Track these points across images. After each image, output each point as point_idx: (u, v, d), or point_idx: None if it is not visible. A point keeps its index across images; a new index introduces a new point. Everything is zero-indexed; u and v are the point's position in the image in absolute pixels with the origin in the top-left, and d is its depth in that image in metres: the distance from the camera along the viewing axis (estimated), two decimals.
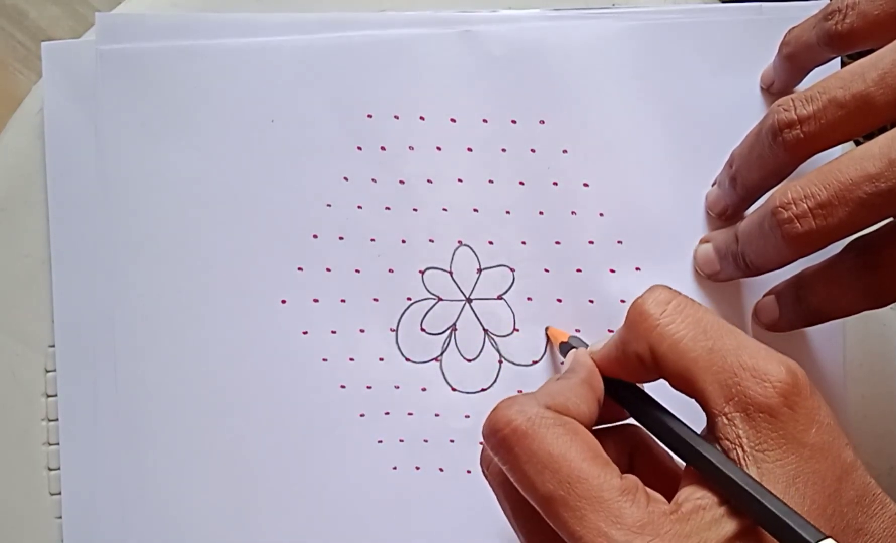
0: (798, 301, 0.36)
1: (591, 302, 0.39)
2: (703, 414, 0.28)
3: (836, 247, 0.33)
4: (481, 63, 0.39)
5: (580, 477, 0.26)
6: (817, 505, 0.26)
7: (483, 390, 0.39)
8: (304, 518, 0.39)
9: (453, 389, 0.39)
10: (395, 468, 0.39)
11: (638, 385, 0.31)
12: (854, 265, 0.33)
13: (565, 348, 0.36)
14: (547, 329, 0.39)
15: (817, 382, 0.39)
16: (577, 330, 0.39)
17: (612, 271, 0.39)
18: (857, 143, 0.31)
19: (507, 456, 0.27)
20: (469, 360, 0.39)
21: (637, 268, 0.39)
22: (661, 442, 0.29)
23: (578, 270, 0.39)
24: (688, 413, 0.29)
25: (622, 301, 0.39)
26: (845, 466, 0.27)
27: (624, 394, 0.31)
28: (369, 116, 0.39)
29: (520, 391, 0.39)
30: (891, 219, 0.32)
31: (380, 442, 0.39)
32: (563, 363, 0.34)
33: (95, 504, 0.39)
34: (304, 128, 0.39)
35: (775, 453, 0.26)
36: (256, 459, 0.39)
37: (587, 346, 0.33)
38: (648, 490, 0.27)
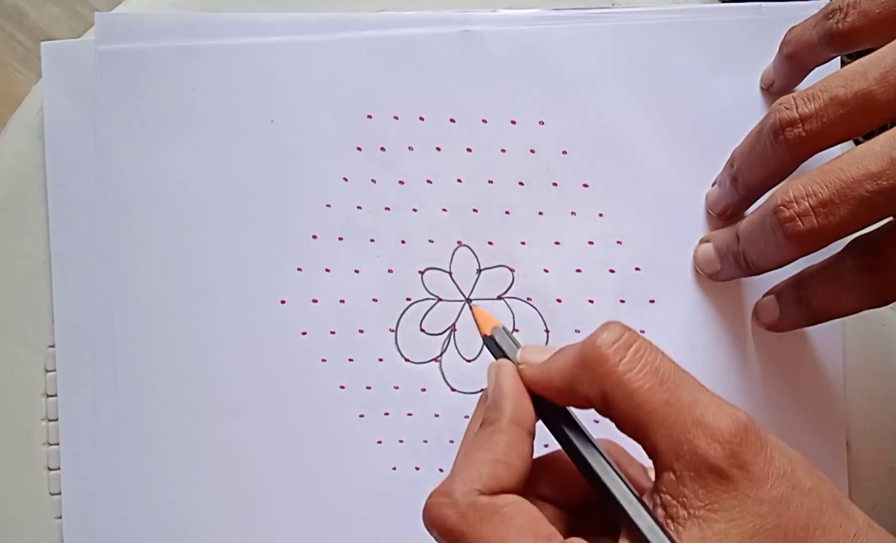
0: (798, 300, 0.36)
1: (591, 302, 0.39)
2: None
3: (837, 247, 0.33)
4: (481, 63, 0.39)
5: None
6: None
7: (483, 390, 0.39)
8: (304, 518, 0.39)
9: (453, 389, 0.39)
10: (394, 468, 0.39)
11: (569, 412, 0.29)
12: (855, 264, 0.33)
13: (489, 343, 0.32)
14: (473, 309, 0.34)
15: (817, 382, 0.39)
16: (577, 331, 0.39)
17: (612, 271, 0.39)
18: (857, 143, 0.31)
19: None
20: (468, 361, 0.39)
21: (637, 269, 0.39)
22: (592, 487, 0.28)
23: (578, 270, 0.39)
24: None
25: (622, 301, 0.39)
26: (811, 514, 0.26)
27: (552, 420, 0.29)
28: (369, 117, 0.39)
29: None
30: (891, 218, 0.32)
31: (379, 442, 0.39)
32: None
33: (95, 504, 0.39)
34: (303, 128, 0.39)
35: (729, 513, 0.26)
36: (256, 459, 0.39)
37: (516, 345, 0.31)
38: None
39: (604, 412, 0.28)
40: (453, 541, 0.27)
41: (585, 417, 0.29)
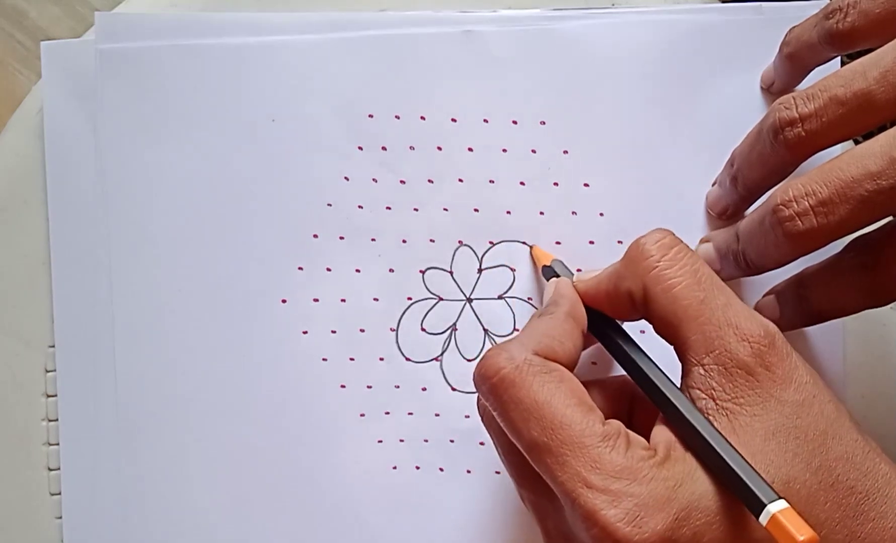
0: (798, 300, 0.36)
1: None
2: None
3: (837, 246, 0.33)
4: (482, 63, 0.40)
5: (563, 424, 0.27)
6: (801, 458, 0.27)
7: None
8: (304, 517, 0.39)
9: (453, 389, 0.39)
10: (395, 468, 0.39)
11: (619, 323, 0.32)
12: (855, 264, 0.33)
13: (548, 272, 0.36)
14: (531, 248, 0.39)
15: None
16: None
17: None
18: (857, 143, 0.31)
19: (495, 403, 0.28)
20: (469, 360, 0.39)
21: None
22: (634, 381, 0.31)
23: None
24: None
25: None
26: (830, 421, 0.28)
27: (603, 330, 0.32)
28: (370, 116, 0.40)
29: None
30: (891, 218, 0.32)
31: (380, 441, 0.39)
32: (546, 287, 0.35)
33: (95, 504, 0.39)
34: (304, 127, 0.39)
35: (753, 408, 0.27)
36: (256, 459, 0.39)
37: (571, 273, 0.35)
38: (632, 435, 0.28)
39: (644, 309, 0.30)
40: (504, 390, 0.28)
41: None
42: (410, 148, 0.39)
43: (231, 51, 0.39)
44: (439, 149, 0.39)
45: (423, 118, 0.39)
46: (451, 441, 0.39)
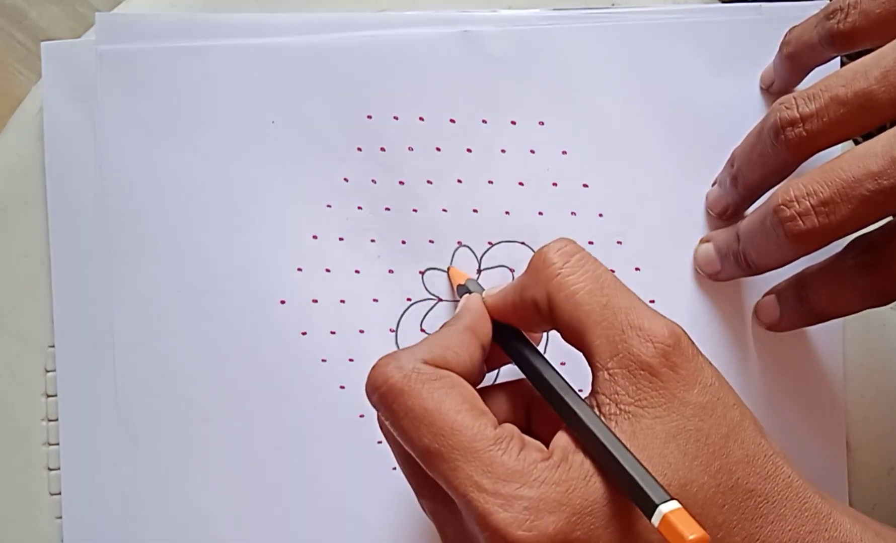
0: (799, 300, 0.36)
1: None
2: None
3: (837, 246, 0.33)
4: (481, 63, 0.39)
5: (453, 429, 0.27)
6: (700, 461, 0.27)
7: None
8: (304, 518, 0.39)
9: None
10: (395, 468, 0.39)
11: (525, 334, 0.32)
12: (855, 264, 0.33)
13: (462, 291, 0.36)
14: (449, 269, 0.39)
15: (817, 382, 0.39)
16: None
17: (612, 271, 0.39)
18: (857, 143, 0.31)
19: (386, 413, 0.29)
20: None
21: (637, 269, 0.39)
22: (534, 386, 0.31)
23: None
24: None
25: None
26: (732, 425, 0.28)
27: (508, 340, 0.32)
28: (369, 117, 0.39)
29: None
30: (892, 218, 0.32)
31: (380, 442, 0.39)
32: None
33: (95, 504, 0.39)
34: (304, 128, 0.39)
35: (655, 410, 0.27)
36: (256, 459, 0.39)
37: (482, 289, 0.35)
38: (526, 438, 0.28)
39: (549, 318, 0.30)
40: (392, 399, 0.28)
41: None
42: (409, 149, 0.39)
43: (231, 52, 0.39)
44: (438, 149, 0.39)
45: (421, 119, 0.39)
46: None
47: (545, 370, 0.30)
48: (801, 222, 0.31)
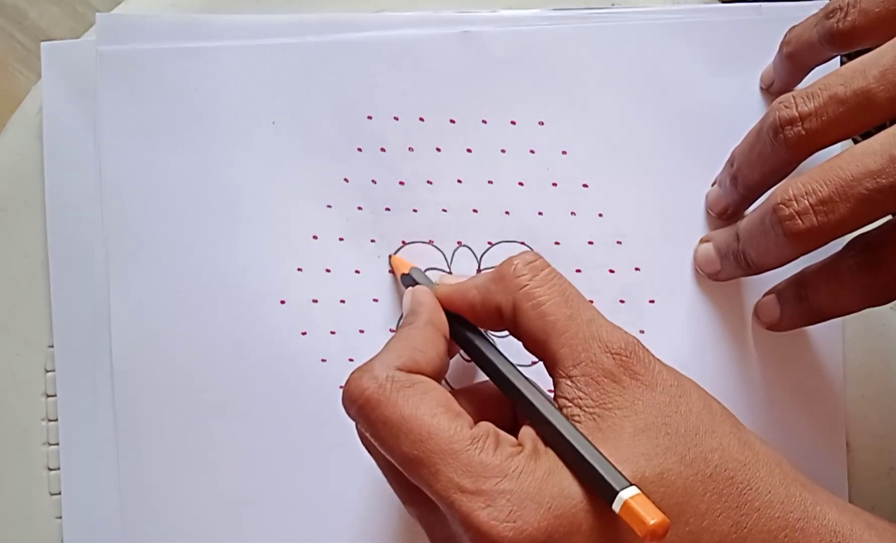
0: (799, 299, 0.36)
1: (591, 302, 0.39)
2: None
3: (837, 246, 0.33)
4: (481, 64, 0.40)
5: (430, 434, 0.27)
6: (673, 452, 0.28)
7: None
8: (304, 518, 0.39)
9: (452, 389, 0.39)
10: None
11: (479, 329, 0.33)
12: (855, 263, 0.33)
13: (406, 280, 0.36)
14: (390, 257, 0.39)
15: (817, 382, 0.39)
16: None
17: (612, 271, 0.39)
18: (855, 142, 0.31)
19: (366, 425, 0.29)
20: (468, 361, 0.39)
21: (636, 269, 0.39)
22: (493, 382, 0.32)
23: (578, 271, 0.39)
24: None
25: (622, 301, 0.39)
26: (700, 417, 0.29)
27: (462, 334, 0.33)
28: (369, 117, 0.40)
29: None
30: (891, 217, 0.32)
31: None
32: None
33: (95, 504, 0.39)
34: (304, 129, 0.39)
35: (621, 411, 0.28)
36: (256, 459, 0.39)
37: (431, 282, 0.35)
38: (501, 434, 0.28)
39: (512, 324, 0.31)
40: (370, 410, 0.29)
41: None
42: (409, 149, 0.39)
43: (231, 52, 0.39)
44: (438, 150, 0.39)
45: (421, 119, 0.39)
46: None
47: (501, 364, 0.31)
48: (799, 221, 0.31)
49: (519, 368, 0.31)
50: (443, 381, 0.32)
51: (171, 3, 0.41)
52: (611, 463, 0.26)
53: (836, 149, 0.33)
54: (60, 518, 0.39)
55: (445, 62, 0.39)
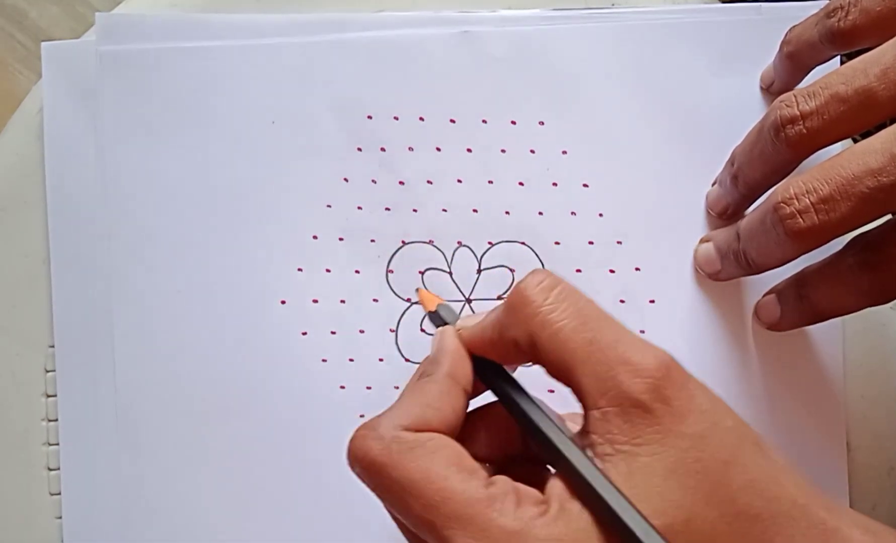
0: (799, 299, 0.36)
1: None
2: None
3: (837, 245, 0.33)
4: (481, 63, 0.40)
5: (444, 498, 0.26)
6: (702, 493, 0.26)
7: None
8: (304, 518, 0.39)
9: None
10: None
11: (506, 368, 0.31)
12: (855, 262, 0.33)
13: (435, 319, 0.34)
14: (418, 290, 0.38)
15: (817, 382, 0.39)
16: None
17: (612, 271, 0.39)
18: (855, 141, 0.31)
19: (372, 487, 0.27)
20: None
21: (637, 269, 0.39)
22: (522, 430, 0.29)
23: (578, 270, 0.39)
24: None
25: (622, 301, 0.39)
26: (731, 450, 0.27)
27: (491, 377, 0.30)
28: (369, 117, 0.40)
29: None
30: (892, 215, 0.32)
31: None
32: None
33: (95, 504, 0.39)
34: (304, 129, 0.39)
35: (652, 447, 0.26)
36: (256, 459, 0.39)
37: (456, 316, 0.33)
38: (521, 489, 0.26)
39: (532, 356, 0.28)
40: (375, 473, 0.27)
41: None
42: (409, 149, 0.39)
43: (231, 52, 0.39)
44: (438, 149, 0.39)
45: (422, 119, 0.39)
46: None
47: (532, 411, 0.29)
48: (800, 220, 0.31)
49: (548, 413, 0.29)
50: None
51: (170, 3, 0.41)
52: (652, 526, 0.25)
53: (836, 148, 0.33)
54: (60, 518, 0.39)
55: (446, 62, 0.39)
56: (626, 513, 0.25)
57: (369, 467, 0.27)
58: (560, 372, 0.28)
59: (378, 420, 0.28)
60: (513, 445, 0.30)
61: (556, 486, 0.27)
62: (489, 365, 0.30)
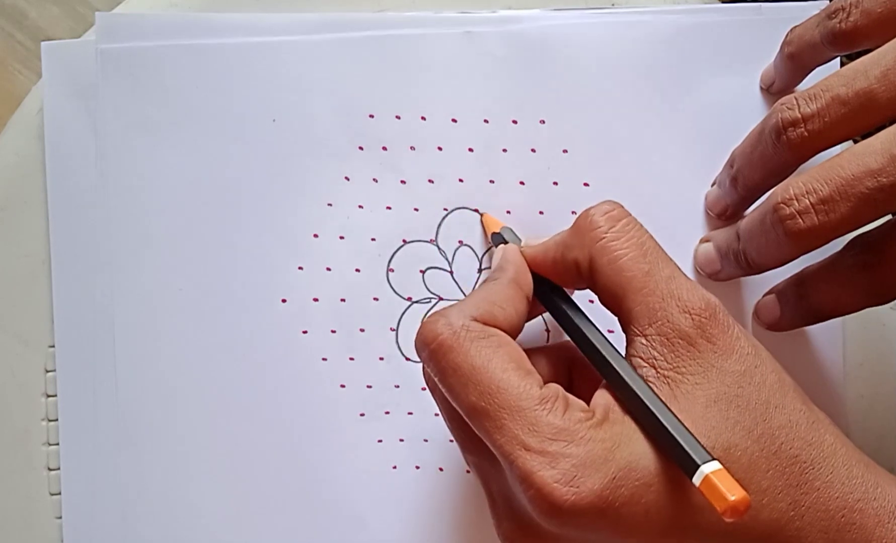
0: (799, 299, 0.36)
1: (591, 302, 0.39)
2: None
3: (837, 245, 0.33)
4: (482, 63, 0.40)
5: (500, 388, 0.27)
6: (742, 426, 0.27)
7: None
8: (304, 517, 0.39)
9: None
10: (395, 467, 0.39)
11: (565, 290, 0.32)
12: (855, 262, 0.33)
13: (497, 238, 0.36)
14: (482, 215, 0.39)
15: (817, 382, 0.39)
16: None
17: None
18: (855, 142, 0.31)
19: (435, 369, 0.29)
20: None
21: None
22: (577, 346, 0.31)
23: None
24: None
25: None
26: (773, 391, 0.28)
27: (549, 296, 0.32)
28: (371, 116, 0.40)
29: None
30: (891, 216, 0.32)
31: (380, 441, 0.39)
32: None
33: (95, 504, 0.39)
34: (305, 127, 0.39)
35: (694, 377, 0.28)
36: (256, 458, 0.39)
37: (520, 240, 0.35)
38: (570, 397, 0.28)
39: (589, 280, 0.30)
40: (442, 356, 0.28)
41: None
42: (411, 148, 0.39)
43: (231, 51, 0.39)
44: (440, 149, 0.39)
45: (423, 118, 0.39)
46: (451, 441, 0.39)
47: (587, 328, 0.30)
48: (800, 220, 0.31)
49: (600, 330, 0.31)
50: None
51: (170, 2, 0.41)
52: (693, 436, 0.26)
53: (835, 148, 0.33)
54: (60, 518, 0.39)
55: (447, 61, 0.39)
56: (670, 423, 0.26)
57: (437, 349, 0.29)
58: (613, 297, 0.30)
59: (448, 309, 0.30)
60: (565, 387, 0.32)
61: (602, 396, 0.28)
62: (547, 283, 0.32)
